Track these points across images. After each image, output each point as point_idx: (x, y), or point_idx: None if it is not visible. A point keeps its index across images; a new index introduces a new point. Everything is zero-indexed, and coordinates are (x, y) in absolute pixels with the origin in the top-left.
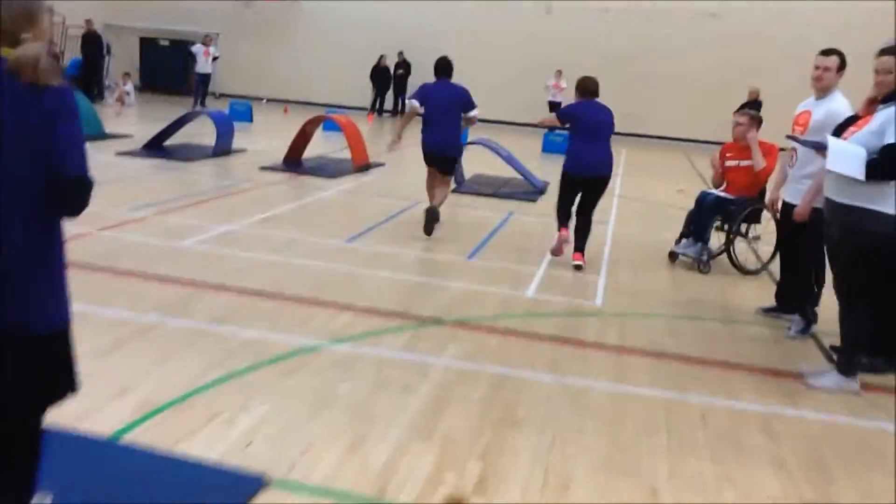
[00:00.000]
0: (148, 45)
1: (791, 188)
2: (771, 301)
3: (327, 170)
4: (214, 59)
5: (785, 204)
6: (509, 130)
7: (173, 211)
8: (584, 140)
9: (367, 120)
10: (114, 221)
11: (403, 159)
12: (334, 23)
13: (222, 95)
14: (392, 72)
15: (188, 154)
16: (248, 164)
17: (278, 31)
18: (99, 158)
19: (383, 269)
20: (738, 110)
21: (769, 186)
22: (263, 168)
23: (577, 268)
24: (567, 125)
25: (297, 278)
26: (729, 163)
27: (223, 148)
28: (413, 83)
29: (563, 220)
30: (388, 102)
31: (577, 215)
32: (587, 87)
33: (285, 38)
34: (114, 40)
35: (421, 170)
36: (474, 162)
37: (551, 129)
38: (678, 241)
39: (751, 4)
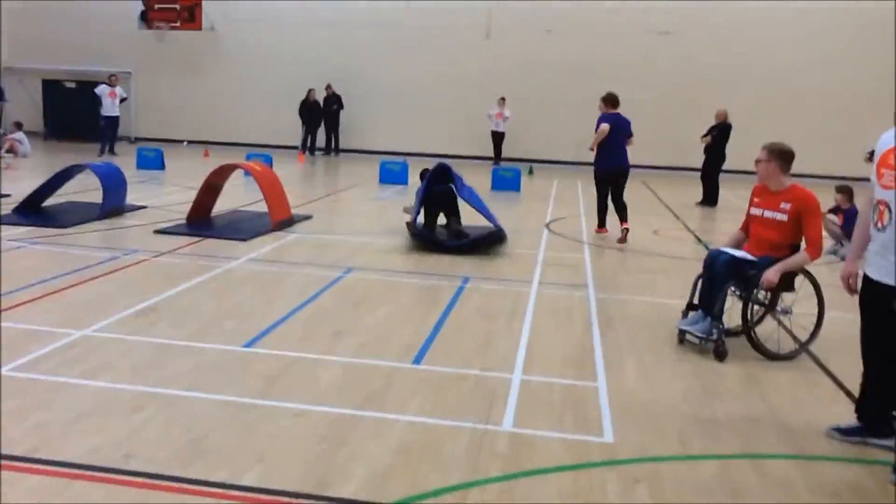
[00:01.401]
0: (52, 88)
1: (880, 262)
2: (843, 414)
3: (240, 229)
4: (122, 100)
5: (870, 282)
6: (457, 165)
7: (13, 309)
8: (614, 144)
9: (297, 160)
10: None
11: (332, 209)
12: (255, 54)
13: (138, 139)
14: (322, 106)
15: (68, 218)
16: (142, 228)
17: (195, 65)
18: None
19: (293, 395)
20: (705, 134)
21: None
22: (159, 232)
23: (626, 231)
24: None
25: (157, 431)
26: (754, 211)
27: (113, 207)
28: (348, 116)
29: (602, 219)
30: (321, 140)
31: (613, 203)
32: (615, 100)
33: (204, 72)
34: (14, 83)
35: (350, 223)
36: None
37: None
38: (684, 314)
39: (706, 18)
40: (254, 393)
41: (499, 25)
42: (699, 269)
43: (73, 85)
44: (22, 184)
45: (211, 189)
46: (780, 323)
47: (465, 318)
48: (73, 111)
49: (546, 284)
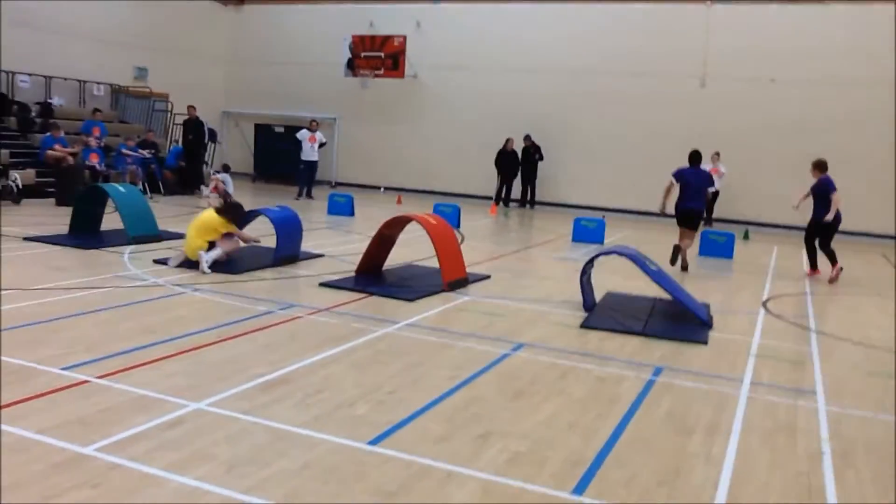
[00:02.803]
0: (263, 132)
1: None
2: None
3: (410, 288)
4: (321, 144)
5: None
6: (659, 223)
7: (138, 368)
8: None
9: (489, 211)
10: (38, 387)
11: (515, 269)
12: (455, 101)
13: (339, 184)
14: (520, 156)
15: (242, 264)
16: (310, 278)
17: (396, 112)
18: (128, 267)
19: None
20: None
21: None
22: (324, 284)
23: (839, 269)
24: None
25: None
26: None
27: (287, 254)
28: (545, 167)
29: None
30: (516, 191)
31: (822, 250)
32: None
33: (404, 119)
34: (231, 127)
35: (532, 286)
36: (616, 273)
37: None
38: None
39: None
40: None
41: (715, 73)
42: None
43: (281, 129)
44: None
45: (384, 241)
46: None
47: (652, 428)
48: (280, 154)
49: (759, 386)
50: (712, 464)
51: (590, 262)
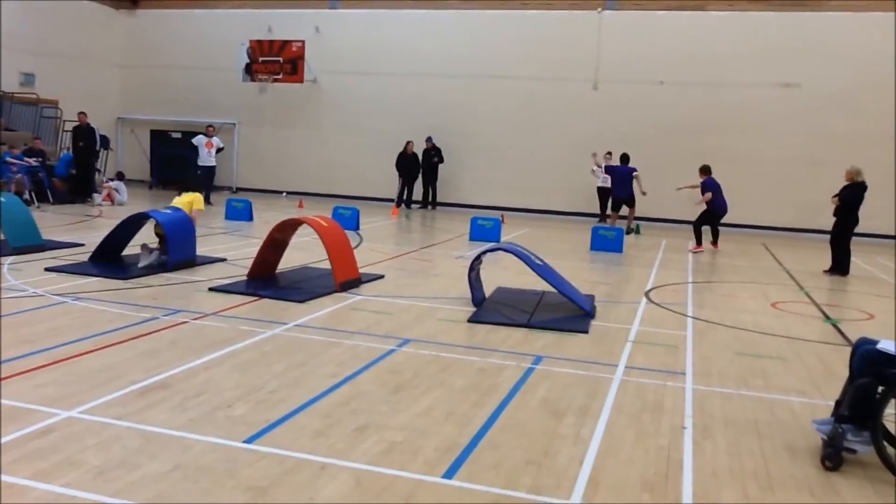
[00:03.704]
0: (159, 138)
1: None
2: None
3: (301, 290)
4: (219, 150)
5: None
6: (557, 221)
7: (14, 376)
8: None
9: (391, 213)
10: None
11: (410, 268)
12: (355, 106)
13: (240, 189)
14: (421, 158)
15: (135, 269)
16: (200, 283)
17: (296, 117)
18: (7, 278)
19: None
20: (836, 195)
21: None
22: (213, 289)
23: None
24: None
25: None
26: None
27: (183, 259)
28: (446, 169)
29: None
30: (419, 193)
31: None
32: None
33: (304, 124)
34: (126, 133)
35: (424, 285)
36: (508, 269)
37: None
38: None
39: (834, 67)
40: None
41: (607, 76)
42: (825, 353)
43: (178, 135)
44: (105, 233)
45: (276, 244)
46: None
47: (526, 414)
48: (177, 161)
49: (633, 370)
50: (580, 443)
51: (477, 259)
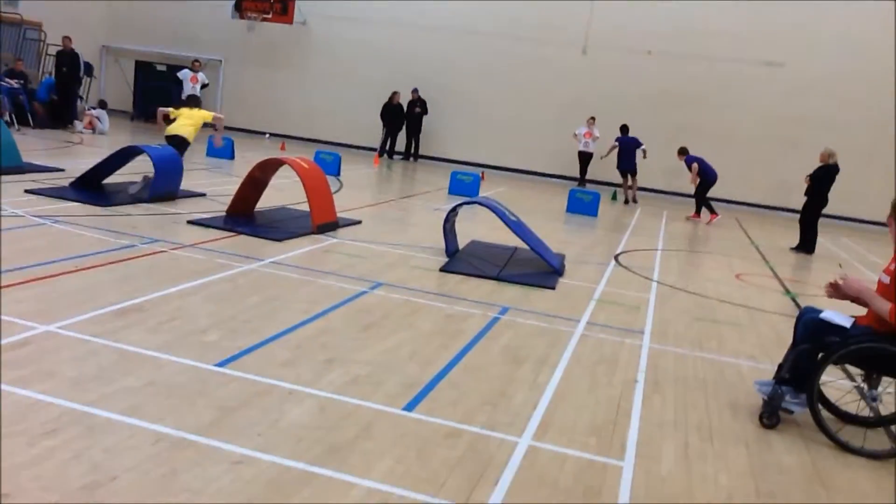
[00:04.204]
0: (144, 70)
1: None
2: None
3: (279, 229)
4: (204, 86)
5: None
6: (536, 182)
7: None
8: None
9: (373, 162)
10: None
11: (387, 216)
12: (344, 52)
13: (224, 128)
14: (406, 110)
15: (115, 198)
16: (181, 216)
17: (284, 58)
18: None
19: (242, 436)
20: (808, 175)
21: None
22: (192, 222)
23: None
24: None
25: (56, 466)
26: (883, 277)
27: (165, 192)
28: (430, 122)
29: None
30: (402, 144)
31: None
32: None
33: (291, 66)
34: (110, 62)
35: (400, 233)
36: (483, 224)
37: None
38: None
39: (817, 50)
40: (198, 427)
41: (597, 42)
42: (779, 323)
43: (163, 68)
44: (86, 160)
45: (255, 183)
46: (868, 401)
47: (487, 358)
48: (162, 94)
49: (594, 326)
50: (536, 389)
51: (453, 211)
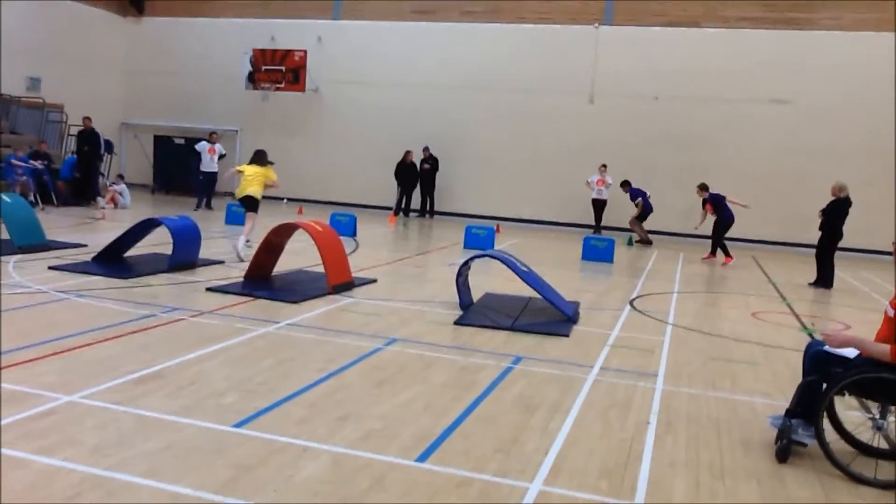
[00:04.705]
0: (163, 144)
1: None
2: None
3: (295, 291)
4: (221, 156)
5: None
6: (550, 231)
7: (11, 368)
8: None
9: (389, 221)
10: None
11: (402, 273)
12: (356, 115)
13: None
14: (419, 168)
15: (135, 269)
16: (199, 284)
17: (297, 125)
18: (12, 275)
19: (258, 493)
20: (821, 210)
21: None
22: (211, 289)
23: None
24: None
25: None
26: (889, 310)
27: (184, 261)
28: (444, 178)
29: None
30: (417, 202)
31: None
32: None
33: (305, 132)
34: (130, 138)
35: (415, 289)
36: (497, 277)
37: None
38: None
39: (821, 87)
40: (215, 486)
41: (603, 90)
42: (795, 360)
43: (181, 141)
44: (108, 234)
45: (272, 248)
46: (880, 430)
47: (500, 407)
48: (180, 166)
49: (608, 371)
50: (547, 435)
51: (465, 265)
